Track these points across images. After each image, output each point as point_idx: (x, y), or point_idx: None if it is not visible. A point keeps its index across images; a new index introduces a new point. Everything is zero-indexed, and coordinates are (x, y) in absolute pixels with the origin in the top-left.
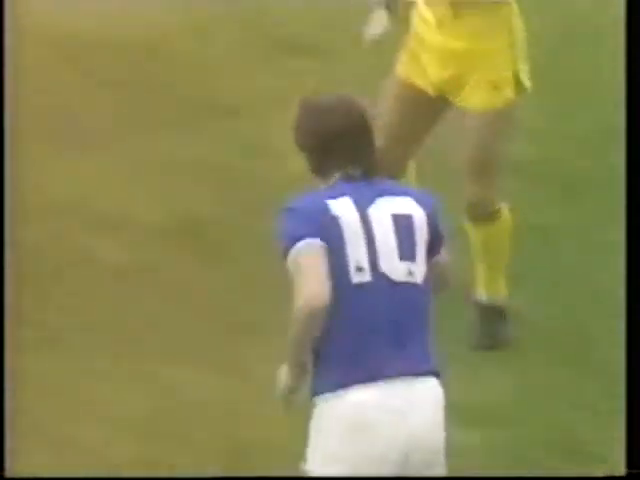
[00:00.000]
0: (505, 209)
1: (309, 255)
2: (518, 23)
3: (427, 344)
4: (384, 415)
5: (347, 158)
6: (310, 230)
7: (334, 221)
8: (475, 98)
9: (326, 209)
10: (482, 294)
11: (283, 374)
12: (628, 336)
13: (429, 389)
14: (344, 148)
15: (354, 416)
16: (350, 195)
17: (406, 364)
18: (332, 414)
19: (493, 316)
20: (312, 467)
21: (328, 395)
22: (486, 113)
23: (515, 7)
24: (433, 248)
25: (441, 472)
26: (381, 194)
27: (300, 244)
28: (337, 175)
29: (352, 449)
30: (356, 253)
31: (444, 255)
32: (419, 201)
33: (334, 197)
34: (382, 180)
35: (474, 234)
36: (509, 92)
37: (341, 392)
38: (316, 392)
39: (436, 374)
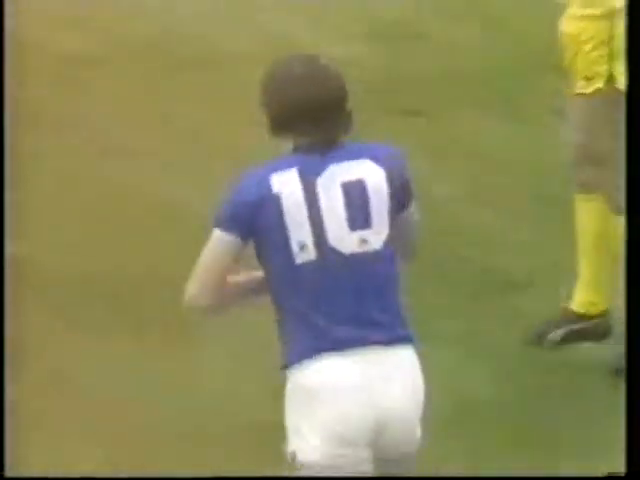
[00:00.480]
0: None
1: (214, 249)
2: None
3: (396, 310)
4: (348, 387)
5: (311, 129)
6: (235, 220)
7: (274, 200)
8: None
9: (267, 187)
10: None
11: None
12: (628, 335)
13: (401, 358)
14: (310, 120)
15: (319, 387)
16: (298, 167)
17: (373, 334)
18: (299, 387)
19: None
20: (294, 447)
21: (294, 367)
22: (577, 99)
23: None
24: (400, 205)
25: (411, 450)
26: (335, 161)
27: (216, 233)
28: (297, 142)
29: (324, 420)
30: (298, 231)
31: (414, 213)
32: (379, 160)
33: (280, 170)
34: (343, 145)
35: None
36: (599, 83)
37: (306, 362)
38: (284, 365)
39: (409, 340)
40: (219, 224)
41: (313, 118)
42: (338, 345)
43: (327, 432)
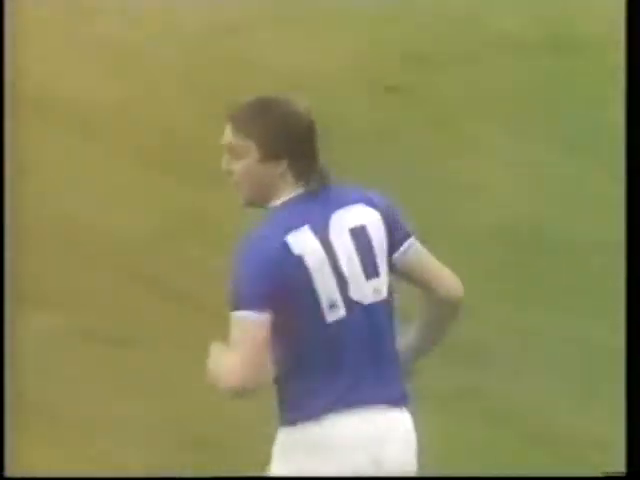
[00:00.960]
0: None
1: (251, 332)
2: None
3: (399, 367)
4: (359, 443)
5: (315, 165)
6: (260, 292)
7: (297, 261)
8: None
9: (286, 250)
10: None
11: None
12: (628, 335)
13: (400, 420)
14: (310, 155)
15: (321, 445)
16: (308, 221)
17: (382, 390)
18: (301, 442)
19: None
20: None
21: (300, 424)
22: None
23: None
24: (392, 246)
25: None
26: (334, 208)
27: (244, 314)
28: (295, 189)
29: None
30: (326, 289)
31: (449, 277)
32: (371, 202)
33: (293, 228)
34: (331, 189)
35: None
36: None
37: (311, 422)
38: (284, 422)
39: (407, 399)
40: (247, 305)
41: (313, 152)
42: (345, 406)
43: None
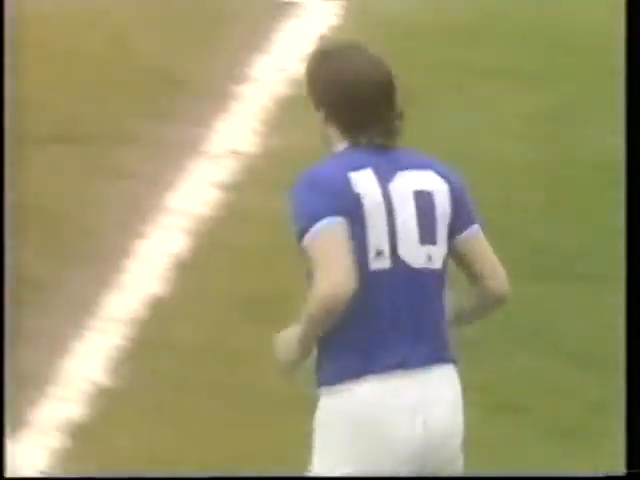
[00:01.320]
0: None
1: (331, 238)
2: None
3: (444, 331)
4: (398, 409)
5: (372, 121)
6: (331, 206)
7: (356, 199)
8: None
9: (348, 183)
10: None
11: (283, 345)
12: (628, 333)
13: (446, 379)
14: (372, 109)
15: (365, 410)
16: (372, 167)
17: (422, 354)
18: (340, 408)
19: None
20: (320, 470)
21: (336, 387)
22: None
23: None
24: (456, 225)
25: (460, 465)
26: (402, 167)
27: (319, 224)
28: (353, 140)
29: (363, 447)
30: (377, 236)
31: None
32: (442, 174)
33: (356, 168)
34: (402, 151)
35: None
36: None
37: (351, 384)
38: (322, 382)
39: (453, 361)
40: (319, 216)
41: (379, 107)
42: (385, 367)
43: (368, 464)
